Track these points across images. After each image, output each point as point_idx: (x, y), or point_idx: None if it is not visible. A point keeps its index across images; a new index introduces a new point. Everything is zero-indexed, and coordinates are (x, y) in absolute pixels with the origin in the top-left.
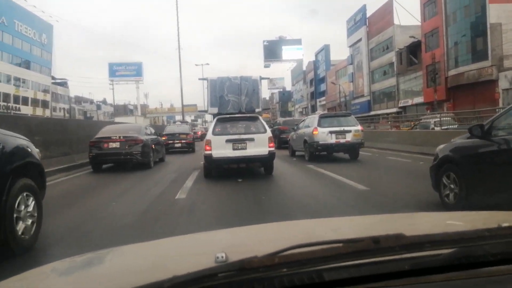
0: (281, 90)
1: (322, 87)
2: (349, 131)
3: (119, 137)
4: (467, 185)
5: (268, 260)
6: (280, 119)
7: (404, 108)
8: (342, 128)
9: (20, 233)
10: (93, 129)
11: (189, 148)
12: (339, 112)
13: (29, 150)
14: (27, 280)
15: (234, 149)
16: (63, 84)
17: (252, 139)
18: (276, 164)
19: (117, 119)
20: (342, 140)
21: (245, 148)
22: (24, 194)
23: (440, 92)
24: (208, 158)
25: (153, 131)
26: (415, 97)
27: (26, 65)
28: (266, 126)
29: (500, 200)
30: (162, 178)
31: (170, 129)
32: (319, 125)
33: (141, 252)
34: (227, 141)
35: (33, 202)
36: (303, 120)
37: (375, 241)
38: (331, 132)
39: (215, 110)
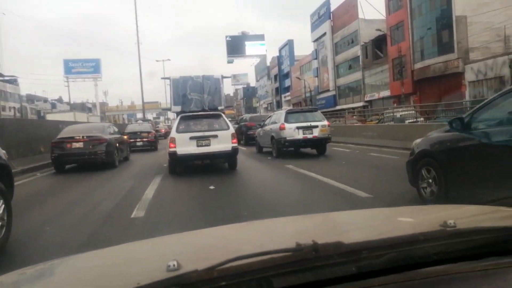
0: (245, 86)
1: (287, 82)
2: (316, 127)
3: (83, 137)
4: (447, 179)
5: (207, 274)
6: (246, 115)
7: (370, 102)
8: (309, 124)
9: None
10: (51, 128)
11: (151, 146)
12: (306, 107)
13: None
14: None
15: (198, 145)
16: (13, 81)
17: (215, 136)
18: (246, 163)
19: (49, 116)
20: (309, 136)
21: (209, 145)
22: None
23: (407, 85)
24: (173, 155)
25: (116, 130)
26: (382, 91)
27: None
28: (229, 123)
29: (481, 194)
30: (128, 177)
31: (131, 127)
32: (286, 120)
33: (94, 261)
34: (191, 138)
35: (3, 205)
36: (270, 116)
37: (314, 250)
38: (298, 128)
39: (178, 108)
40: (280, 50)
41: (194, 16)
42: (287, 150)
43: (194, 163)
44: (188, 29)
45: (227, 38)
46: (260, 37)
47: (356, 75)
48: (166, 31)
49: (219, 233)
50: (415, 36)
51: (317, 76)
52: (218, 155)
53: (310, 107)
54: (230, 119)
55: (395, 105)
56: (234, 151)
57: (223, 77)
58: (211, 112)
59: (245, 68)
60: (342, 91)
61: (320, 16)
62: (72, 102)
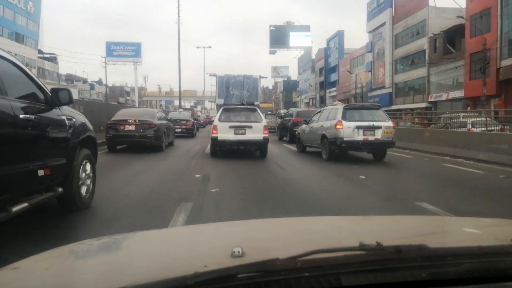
0: (286, 79)
1: (333, 76)
2: (379, 127)
3: (135, 120)
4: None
5: (291, 264)
6: (293, 110)
7: (434, 103)
8: (371, 124)
9: (83, 192)
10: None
11: (188, 133)
12: (367, 104)
13: (89, 126)
14: (46, 261)
15: (235, 133)
16: (52, 59)
17: (250, 127)
18: (298, 165)
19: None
20: (370, 138)
21: (245, 134)
22: (85, 162)
23: (489, 85)
24: (214, 140)
25: (164, 116)
26: (452, 91)
27: (8, 35)
28: (263, 116)
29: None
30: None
31: (172, 115)
32: (344, 118)
33: (156, 240)
34: (230, 127)
35: (90, 168)
36: (319, 112)
37: (397, 251)
38: (358, 128)
39: (221, 101)
40: (328, 42)
41: (237, 5)
42: (339, 152)
43: (232, 147)
44: (231, 18)
45: (271, 28)
46: (306, 28)
47: (420, 72)
48: (209, 19)
49: (279, 225)
50: (505, 27)
51: (370, 71)
52: (252, 143)
53: (372, 103)
54: (269, 112)
55: (469, 108)
56: (265, 140)
57: (260, 77)
58: (248, 106)
59: (288, 60)
60: (400, 89)
61: (380, 4)
62: (111, 85)
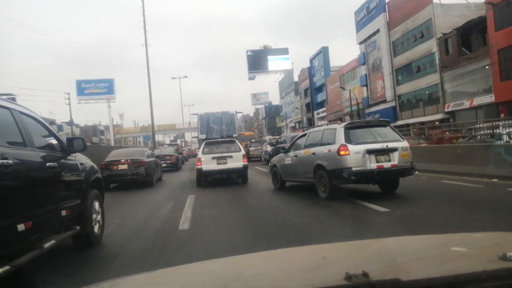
0: (267, 105)
1: (320, 96)
2: (395, 150)
3: (127, 160)
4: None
5: None
6: (286, 135)
7: (452, 113)
8: (384, 145)
9: (95, 229)
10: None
11: (174, 167)
12: (373, 120)
13: (96, 168)
14: None
15: (218, 164)
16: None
17: (231, 156)
18: (285, 209)
19: None
20: (386, 165)
21: (226, 163)
22: (95, 201)
23: None
24: (199, 171)
25: (152, 153)
26: (477, 96)
27: None
28: (241, 147)
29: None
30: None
31: (157, 151)
32: (348, 140)
33: (144, 284)
34: (213, 158)
35: (99, 207)
36: (303, 136)
37: (370, 287)
38: (369, 152)
39: (203, 136)
40: (311, 61)
41: (213, 38)
42: (341, 186)
43: (215, 176)
44: (206, 51)
45: (248, 53)
46: (284, 51)
47: (430, 79)
48: (185, 54)
49: (269, 258)
50: None
51: (366, 85)
52: (233, 170)
53: (378, 119)
54: (253, 140)
55: (502, 115)
56: (245, 167)
57: (236, 112)
58: (228, 139)
59: (268, 85)
60: (405, 101)
61: (370, 11)
62: (83, 125)
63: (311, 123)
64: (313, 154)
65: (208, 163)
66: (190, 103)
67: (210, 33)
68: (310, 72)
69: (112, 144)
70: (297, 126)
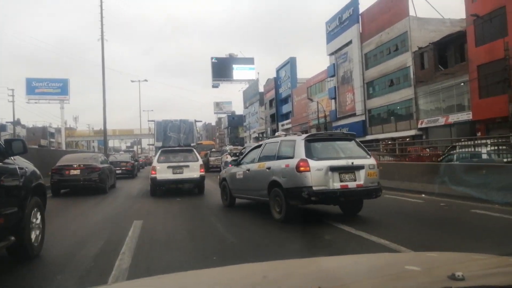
0: (230, 114)
1: (286, 108)
2: (361, 167)
3: (79, 165)
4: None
5: None
6: (251, 145)
7: (425, 130)
8: (350, 162)
9: (33, 240)
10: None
11: (129, 174)
12: (337, 132)
13: (38, 173)
14: None
15: (173, 173)
16: None
17: (187, 166)
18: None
19: None
20: (351, 184)
21: (182, 173)
22: (35, 209)
23: (502, 104)
24: (154, 180)
25: (106, 159)
26: (453, 114)
27: None
28: (198, 156)
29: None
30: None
31: (113, 158)
32: (309, 155)
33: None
34: (169, 167)
35: (40, 216)
36: (258, 147)
37: None
38: (332, 169)
39: (159, 144)
40: (278, 71)
41: (175, 45)
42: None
43: (170, 186)
44: (169, 57)
45: (213, 60)
46: (249, 61)
47: (403, 94)
48: (146, 59)
49: (215, 275)
50: None
51: (334, 98)
52: (189, 180)
53: (344, 132)
54: (213, 149)
55: (479, 133)
56: (202, 178)
57: (195, 121)
58: (185, 147)
59: (232, 94)
60: (376, 115)
61: (343, 21)
62: (31, 125)
63: (275, 134)
64: (268, 168)
65: (163, 172)
66: (150, 109)
67: (174, 40)
68: (276, 82)
69: (64, 147)
70: (261, 137)
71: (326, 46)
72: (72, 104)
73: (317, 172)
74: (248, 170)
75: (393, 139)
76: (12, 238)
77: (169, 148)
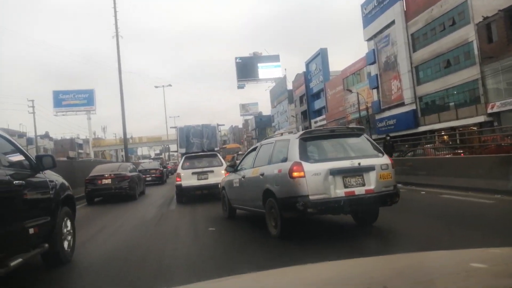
0: (256, 115)
1: (318, 103)
2: (371, 169)
3: (110, 174)
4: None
5: None
6: None
7: (497, 115)
8: (356, 163)
9: (65, 247)
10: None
11: (159, 181)
12: (340, 127)
13: (67, 185)
14: None
15: (198, 179)
16: None
17: (212, 171)
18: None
19: None
20: (359, 190)
21: (207, 178)
22: (66, 218)
23: None
24: (179, 187)
25: (135, 168)
26: None
27: None
28: (223, 161)
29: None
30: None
31: (143, 165)
32: (304, 157)
33: None
34: (193, 173)
35: (70, 224)
36: (254, 149)
37: None
38: (333, 173)
39: (183, 150)
40: (307, 65)
41: (198, 50)
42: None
43: (196, 193)
44: (192, 63)
45: (237, 60)
46: (275, 58)
47: (464, 74)
48: (169, 66)
49: (273, 278)
50: None
51: (376, 87)
52: (214, 186)
53: (347, 126)
54: (240, 152)
55: None
56: None
57: (218, 125)
58: (208, 153)
59: (258, 95)
60: (429, 103)
61: (381, 1)
62: (59, 138)
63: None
64: (262, 175)
65: (188, 178)
66: (176, 115)
67: (196, 45)
68: (306, 77)
69: (92, 157)
70: None
71: (362, 31)
72: (99, 115)
73: (314, 178)
74: (243, 177)
75: (452, 128)
76: (46, 245)
77: (193, 154)
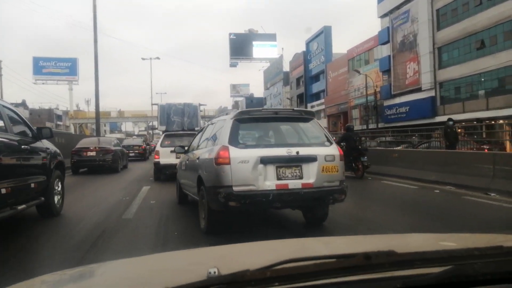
0: (248, 96)
1: (317, 86)
2: (311, 159)
3: (95, 147)
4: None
5: (260, 274)
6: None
7: None
8: (292, 152)
9: (56, 202)
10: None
11: (141, 157)
12: (285, 109)
13: (59, 152)
14: None
15: (177, 157)
16: None
17: None
18: None
19: None
20: (293, 184)
21: None
22: (57, 179)
23: None
24: (157, 165)
25: (118, 143)
26: None
27: None
28: None
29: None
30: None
31: (127, 141)
32: (234, 141)
33: (132, 267)
34: (172, 151)
35: (60, 185)
36: (202, 130)
37: (366, 257)
38: (265, 162)
39: (163, 128)
40: (308, 44)
41: (190, 27)
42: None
43: (174, 171)
44: (183, 40)
45: (231, 36)
46: (271, 37)
47: (502, 57)
48: (160, 43)
49: (257, 247)
50: None
51: (388, 70)
52: None
53: (293, 109)
54: None
55: None
56: None
57: (200, 104)
58: (189, 131)
59: (250, 77)
60: (451, 89)
61: None
62: (37, 107)
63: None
64: (198, 159)
65: (166, 156)
66: (163, 92)
67: (188, 24)
68: (305, 57)
69: (72, 131)
70: None
71: (376, 6)
72: (86, 88)
73: (241, 165)
74: (188, 160)
75: (478, 120)
76: (42, 198)
77: (173, 132)
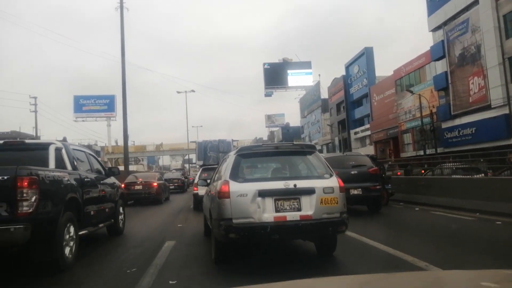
0: (283, 126)
1: (360, 111)
2: (310, 192)
3: (141, 182)
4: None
5: None
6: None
7: None
8: (289, 185)
9: (120, 224)
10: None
11: (180, 189)
12: (285, 144)
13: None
14: None
15: None
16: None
17: None
18: None
19: None
20: (291, 216)
21: None
22: (121, 207)
23: None
24: (196, 196)
25: (161, 176)
26: None
27: None
28: None
29: None
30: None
31: (167, 175)
32: (234, 176)
33: None
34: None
35: (123, 211)
36: (221, 162)
37: None
38: (263, 195)
39: (201, 162)
40: (347, 68)
41: (224, 63)
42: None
43: None
44: (217, 75)
45: (265, 66)
46: (306, 65)
47: None
48: (194, 79)
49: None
50: None
51: (444, 88)
52: None
53: (294, 143)
54: None
55: None
56: None
57: (233, 140)
58: None
59: (285, 107)
60: None
61: None
62: (77, 143)
63: (347, 144)
64: (209, 193)
65: (204, 188)
66: (199, 125)
67: (221, 59)
68: (345, 81)
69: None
70: (326, 150)
71: (427, 19)
72: (122, 123)
73: (239, 199)
74: (207, 193)
75: None
76: (112, 220)
77: (209, 166)
